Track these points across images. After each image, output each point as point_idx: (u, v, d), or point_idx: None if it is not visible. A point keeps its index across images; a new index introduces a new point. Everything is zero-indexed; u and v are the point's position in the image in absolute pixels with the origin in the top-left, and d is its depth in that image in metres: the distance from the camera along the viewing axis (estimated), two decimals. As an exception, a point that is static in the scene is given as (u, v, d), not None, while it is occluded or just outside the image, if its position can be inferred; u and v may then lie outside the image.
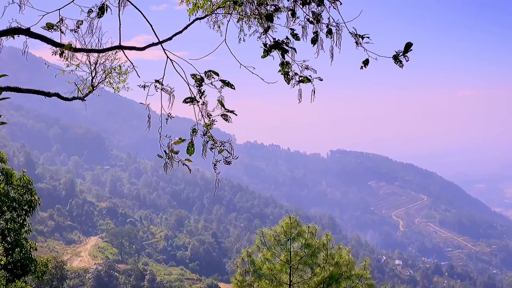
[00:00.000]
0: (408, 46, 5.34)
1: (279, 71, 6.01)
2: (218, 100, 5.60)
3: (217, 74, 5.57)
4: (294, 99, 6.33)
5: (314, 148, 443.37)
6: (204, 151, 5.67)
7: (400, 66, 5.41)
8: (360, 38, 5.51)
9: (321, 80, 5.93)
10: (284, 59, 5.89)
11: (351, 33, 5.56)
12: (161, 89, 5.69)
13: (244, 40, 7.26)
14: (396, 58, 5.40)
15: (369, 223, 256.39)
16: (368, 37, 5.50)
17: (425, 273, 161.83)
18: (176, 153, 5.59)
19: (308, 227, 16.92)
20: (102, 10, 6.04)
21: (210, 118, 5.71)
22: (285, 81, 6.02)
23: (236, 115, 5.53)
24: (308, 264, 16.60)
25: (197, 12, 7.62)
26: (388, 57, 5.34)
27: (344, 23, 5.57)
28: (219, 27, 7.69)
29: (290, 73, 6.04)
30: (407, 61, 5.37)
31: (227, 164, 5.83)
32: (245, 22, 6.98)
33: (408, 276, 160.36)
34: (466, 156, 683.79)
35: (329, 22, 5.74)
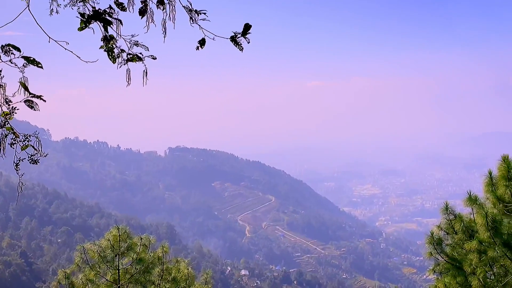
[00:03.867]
0: (247, 28, 5.46)
1: (101, 47, 5.72)
2: (21, 82, 5.14)
3: (18, 50, 5.10)
4: (126, 86, 6.07)
5: (149, 145, 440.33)
6: (2, 148, 5.17)
7: (240, 49, 5.51)
8: (196, 14, 5.50)
9: (155, 58, 5.79)
10: (107, 32, 5.63)
11: (184, 6, 5.52)
12: None
13: (57, 12, 6.79)
14: (234, 39, 5.50)
15: (213, 230, 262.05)
16: (205, 13, 5.50)
17: (273, 283, 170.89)
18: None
19: (141, 238, 16.71)
20: None
21: (9, 105, 5.21)
22: (110, 59, 5.75)
23: (44, 101, 5.12)
24: (140, 282, 16.38)
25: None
26: (226, 37, 5.41)
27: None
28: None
29: (116, 50, 5.79)
30: (248, 43, 5.49)
31: (34, 163, 5.38)
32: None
33: (254, 287, 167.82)
34: (315, 152, 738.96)
35: (159, -10, 5.63)
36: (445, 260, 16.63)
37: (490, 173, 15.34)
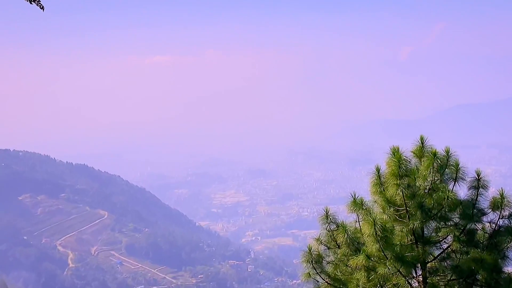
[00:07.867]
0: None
1: None
2: None
3: None
4: None
5: None
6: None
7: (40, 7, 5.27)
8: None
9: None
10: None
11: None
12: None
13: None
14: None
15: (22, 260, 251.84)
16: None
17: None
18: None
19: None
20: None
21: None
22: None
23: None
24: None
25: None
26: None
27: None
28: None
29: None
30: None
31: None
32: None
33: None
34: (160, 150, 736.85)
35: None
36: (326, 281, 17.21)
37: (378, 170, 15.98)
